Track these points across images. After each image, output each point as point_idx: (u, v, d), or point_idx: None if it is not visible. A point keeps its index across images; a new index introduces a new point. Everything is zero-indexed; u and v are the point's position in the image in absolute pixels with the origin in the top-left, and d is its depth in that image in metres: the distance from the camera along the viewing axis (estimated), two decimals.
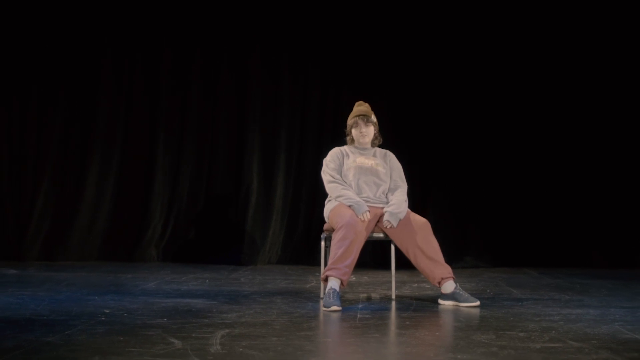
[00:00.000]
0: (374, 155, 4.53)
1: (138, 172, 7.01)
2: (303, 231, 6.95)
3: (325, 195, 4.50)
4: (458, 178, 6.98)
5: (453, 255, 6.51)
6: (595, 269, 6.48)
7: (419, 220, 4.27)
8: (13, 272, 5.73)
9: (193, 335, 3.09)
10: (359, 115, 4.52)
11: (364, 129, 4.49)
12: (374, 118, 4.56)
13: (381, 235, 4.35)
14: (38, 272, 5.73)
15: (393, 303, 4.27)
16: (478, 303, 4.10)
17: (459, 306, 4.09)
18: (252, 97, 6.99)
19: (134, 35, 6.99)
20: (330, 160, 4.48)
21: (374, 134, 4.56)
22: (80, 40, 6.92)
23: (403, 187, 4.48)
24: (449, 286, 4.17)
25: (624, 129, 7.02)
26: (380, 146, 4.63)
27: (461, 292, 4.15)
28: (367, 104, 4.63)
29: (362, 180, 4.37)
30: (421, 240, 4.18)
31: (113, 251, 6.85)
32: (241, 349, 2.81)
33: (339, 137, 6.63)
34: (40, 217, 6.80)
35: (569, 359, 2.70)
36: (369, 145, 4.57)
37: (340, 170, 4.44)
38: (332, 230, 4.30)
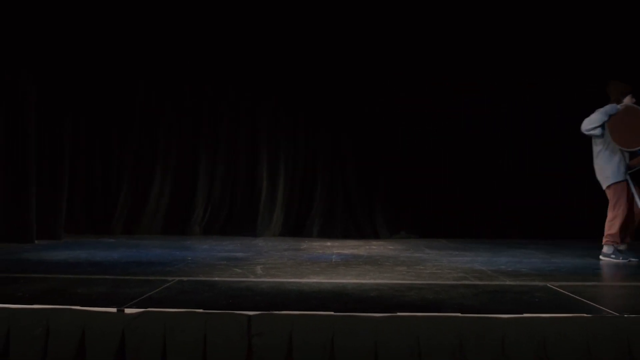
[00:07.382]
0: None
1: (187, 176, 7.92)
2: (296, 215, 7.75)
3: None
4: (396, 174, 7.58)
5: (392, 229, 7.56)
6: (483, 239, 7.18)
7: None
8: (112, 240, 6.82)
9: (244, 267, 4.50)
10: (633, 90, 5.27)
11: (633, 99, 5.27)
12: None
13: None
14: (128, 241, 6.76)
15: (353, 255, 5.54)
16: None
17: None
18: (261, 129, 7.92)
19: (184, 88, 7.94)
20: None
21: None
22: (148, 92, 7.91)
23: None
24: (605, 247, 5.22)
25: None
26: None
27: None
28: None
29: None
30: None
31: (170, 228, 7.75)
32: (273, 271, 4.27)
33: (317, 158, 7.89)
34: (122, 206, 7.76)
35: (442, 275, 4.22)
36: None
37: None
38: None
